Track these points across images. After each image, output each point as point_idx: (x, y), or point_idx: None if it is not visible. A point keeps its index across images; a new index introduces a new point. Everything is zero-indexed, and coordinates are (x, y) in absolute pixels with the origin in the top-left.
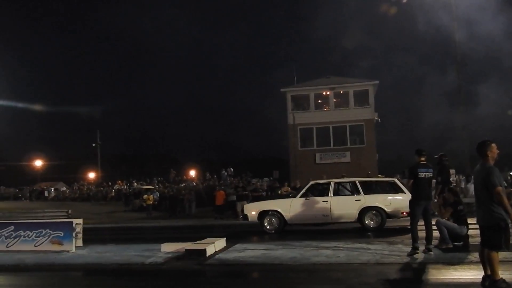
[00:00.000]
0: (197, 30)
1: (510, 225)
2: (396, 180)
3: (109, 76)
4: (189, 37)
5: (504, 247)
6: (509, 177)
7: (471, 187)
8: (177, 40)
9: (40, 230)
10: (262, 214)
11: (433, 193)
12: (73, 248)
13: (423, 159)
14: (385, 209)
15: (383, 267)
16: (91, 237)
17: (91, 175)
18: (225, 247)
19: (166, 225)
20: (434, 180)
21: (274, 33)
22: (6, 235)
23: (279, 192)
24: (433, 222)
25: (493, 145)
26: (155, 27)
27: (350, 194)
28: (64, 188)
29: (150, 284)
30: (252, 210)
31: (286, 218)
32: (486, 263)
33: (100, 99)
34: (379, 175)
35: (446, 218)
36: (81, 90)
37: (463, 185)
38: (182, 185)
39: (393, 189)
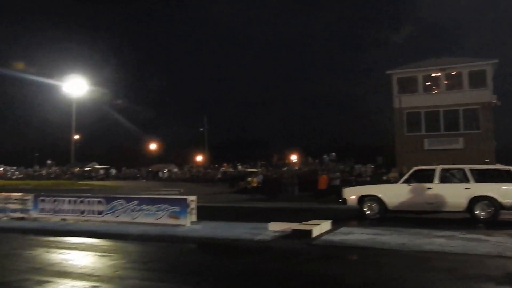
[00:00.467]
0: (302, 20)
1: None
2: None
3: (216, 68)
4: (285, 26)
5: None
6: None
7: None
8: (275, 29)
9: (160, 205)
10: (362, 199)
11: None
12: (188, 223)
13: None
14: (499, 199)
15: (506, 260)
16: (202, 214)
17: (199, 158)
18: (330, 229)
19: (269, 206)
20: None
21: (373, 13)
22: (131, 208)
23: (384, 178)
24: None
25: None
26: (248, 18)
27: (458, 182)
28: (176, 170)
29: (259, 259)
30: (352, 195)
31: (387, 204)
32: None
33: (208, 89)
34: (497, 164)
35: None
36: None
37: None
38: (285, 169)
39: (510, 178)
